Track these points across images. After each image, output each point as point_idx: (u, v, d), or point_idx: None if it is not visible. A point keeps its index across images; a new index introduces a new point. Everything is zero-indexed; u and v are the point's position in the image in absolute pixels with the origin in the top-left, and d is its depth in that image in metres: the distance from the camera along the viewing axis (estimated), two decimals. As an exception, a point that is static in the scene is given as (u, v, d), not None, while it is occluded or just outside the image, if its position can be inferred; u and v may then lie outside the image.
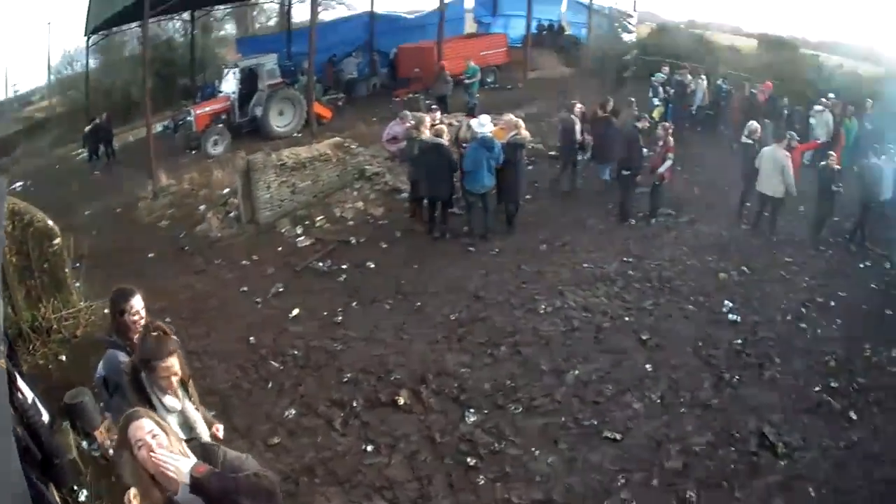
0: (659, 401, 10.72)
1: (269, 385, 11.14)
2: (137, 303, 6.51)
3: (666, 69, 25.50)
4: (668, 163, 17.00)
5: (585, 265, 15.06)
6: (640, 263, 15.16)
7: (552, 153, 21.07)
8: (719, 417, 10.37)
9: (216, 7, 34.23)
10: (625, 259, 15.35)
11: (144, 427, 4.31)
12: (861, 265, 16.04)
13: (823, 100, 22.15)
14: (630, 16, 37.64)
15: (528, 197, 18.16)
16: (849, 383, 11.45)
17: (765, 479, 9.26)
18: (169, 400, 5.64)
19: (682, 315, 13.27)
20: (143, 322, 6.38)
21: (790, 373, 11.62)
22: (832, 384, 11.36)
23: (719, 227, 17.32)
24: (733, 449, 9.76)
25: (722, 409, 10.60)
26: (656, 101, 24.39)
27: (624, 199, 17.47)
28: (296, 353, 12.00)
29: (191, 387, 6.09)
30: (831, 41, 34.24)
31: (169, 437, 4.35)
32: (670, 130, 17.36)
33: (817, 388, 11.26)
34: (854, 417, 10.62)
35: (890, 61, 29.04)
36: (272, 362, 11.73)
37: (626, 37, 35.43)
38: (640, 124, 17.58)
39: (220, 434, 6.43)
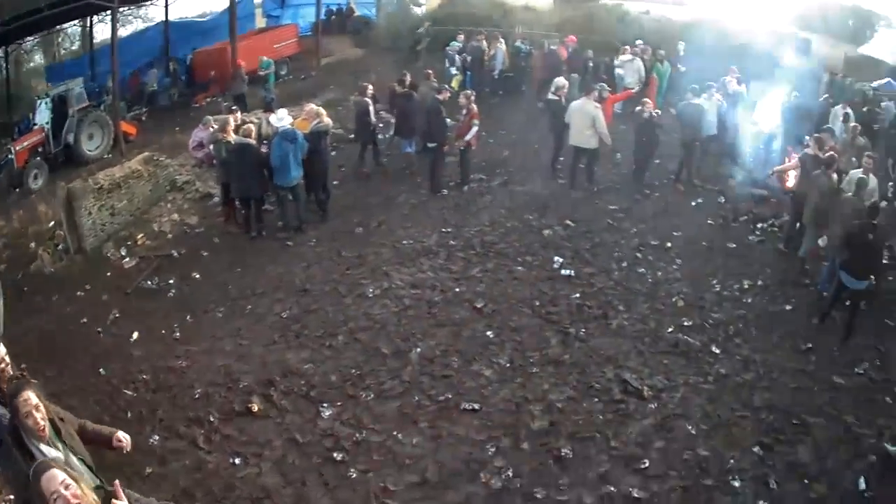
0: (508, 364, 10.49)
1: (129, 415, 10.31)
2: (1, 350, 6.40)
3: (461, 37, 24.67)
4: (475, 129, 16.25)
5: (405, 242, 14.27)
6: (459, 232, 14.45)
7: (352, 136, 19.92)
8: (574, 372, 10.27)
9: (25, 39, 31.84)
10: (444, 230, 14.58)
11: (57, 478, 4.16)
12: (693, 203, 15.78)
13: (629, 47, 21.95)
14: None
15: (336, 182, 17.18)
16: (703, 320, 11.31)
17: (638, 423, 9.26)
18: (49, 451, 5.42)
19: (511, 277, 12.73)
20: (9, 369, 6.34)
21: (638, 318, 11.42)
22: (685, 323, 11.18)
23: (534, 185, 16.70)
24: (597, 400, 9.71)
25: (575, 363, 10.45)
26: (454, 71, 23.52)
27: (433, 171, 16.57)
28: (145, 377, 11.15)
29: (66, 435, 5.74)
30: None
31: (81, 486, 4.22)
32: (472, 97, 16.58)
33: (670, 329, 11.06)
34: (717, 351, 10.52)
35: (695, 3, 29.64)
36: (125, 391, 10.87)
37: (416, 11, 34.49)
38: (440, 96, 16.67)
39: (125, 441, 6.19)
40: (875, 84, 23.62)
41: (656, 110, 16.41)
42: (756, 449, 8.76)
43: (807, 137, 15.02)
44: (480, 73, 23.54)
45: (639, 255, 13.43)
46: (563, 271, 12.72)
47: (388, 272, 13.13)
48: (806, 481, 8.37)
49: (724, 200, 15.83)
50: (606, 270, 12.83)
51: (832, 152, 12.81)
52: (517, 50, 24.20)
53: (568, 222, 14.63)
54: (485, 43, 23.79)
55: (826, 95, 19.26)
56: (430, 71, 20.27)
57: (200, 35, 32.76)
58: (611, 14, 28.65)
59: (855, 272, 10.94)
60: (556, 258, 13.14)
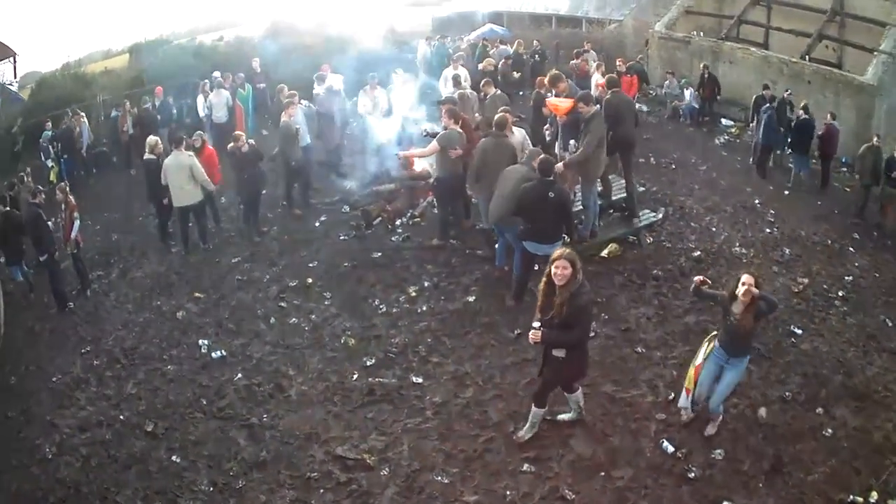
0: (212, 488, 8.56)
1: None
2: None
3: (49, 125, 21.90)
4: (77, 223, 14.00)
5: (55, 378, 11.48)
6: (98, 347, 11.93)
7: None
8: (282, 468, 8.69)
9: None
10: (83, 350, 11.93)
11: None
12: (317, 224, 15.08)
13: (207, 82, 20.75)
14: (10, 84, 32.92)
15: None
16: (385, 351, 10.57)
17: (383, 496, 8.09)
18: None
19: (167, 380, 10.66)
20: None
21: (315, 376, 10.19)
22: (368, 363, 10.30)
23: (152, 264, 14.78)
24: (324, 490, 8.27)
25: (277, 457, 8.86)
26: (49, 163, 20.87)
27: (54, 287, 13.73)
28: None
29: None
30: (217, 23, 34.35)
31: None
32: (67, 189, 14.29)
33: (356, 376, 10.08)
34: (420, 381, 9.80)
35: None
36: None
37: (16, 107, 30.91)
38: (35, 199, 14.15)
39: None
40: (477, 34, 23.91)
41: (249, 141, 15.02)
42: (526, 467, 8.15)
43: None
44: (74, 156, 21.12)
45: (283, 304, 12.17)
46: (213, 354, 11.02)
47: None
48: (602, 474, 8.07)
49: (348, 209, 15.10)
50: (257, 334, 11.38)
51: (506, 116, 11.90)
52: (114, 119, 22.11)
53: (197, 295, 12.98)
54: (73, 122, 21.37)
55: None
56: (23, 172, 18.06)
57: None
58: (185, 52, 27.51)
59: (543, 238, 10.13)
60: (200, 342, 11.40)
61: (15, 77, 32.24)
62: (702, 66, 22.82)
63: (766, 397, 9.29)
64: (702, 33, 25.91)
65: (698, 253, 13.22)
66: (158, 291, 13.41)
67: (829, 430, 8.80)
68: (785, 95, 19.43)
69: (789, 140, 18.72)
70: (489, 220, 11.45)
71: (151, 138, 15.18)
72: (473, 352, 10.25)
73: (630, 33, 29.37)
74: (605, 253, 12.31)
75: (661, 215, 14.30)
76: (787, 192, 17.47)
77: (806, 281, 12.67)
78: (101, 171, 21.59)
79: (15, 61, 31.85)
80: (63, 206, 13.95)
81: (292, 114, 15.12)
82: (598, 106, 11.74)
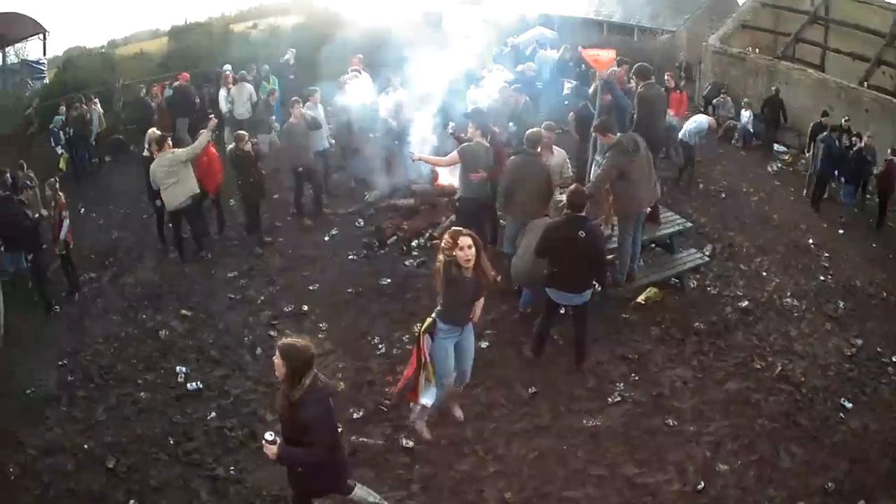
0: None
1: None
2: None
3: (63, 108, 20.58)
4: (66, 223, 12.92)
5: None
6: (75, 362, 10.85)
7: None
8: None
9: None
10: (60, 363, 10.87)
11: None
12: (326, 238, 13.92)
13: (230, 75, 19.25)
14: (40, 62, 31.89)
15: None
16: (377, 403, 9.16)
17: None
18: None
19: (137, 409, 9.53)
20: None
21: None
22: (356, 415, 8.87)
23: (146, 271, 13.64)
24: None
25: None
26: (60, 150, 19.74)
27: (39, 288, 12.75)
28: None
29: None
30: (253, 6, 33.02)
31: None
32: (57, 186, 13.47)
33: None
34: (409, 445, 8.40)
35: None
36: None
37: (37, 86, 29.90)
38: (24, 196, 13.36)
39: None
40: (525, 37, 22.78)
41: (251, 140, 13.89)
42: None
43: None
44: (85, 143, 20.11)
45: (273, 332, 10.80)
46: (189, 385, 9.82)
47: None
48: None
49: (362, 223, 13.98)
50: (240, 367, 10.15)
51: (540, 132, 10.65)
52: (124, 106, 21.61)
53: (184, 312, 11.77)
54: (84, 107, 20.20)
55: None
56: (22, 161, 16.52)
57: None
58: (214, 39, 26.49)
59: (570, 286, 8.77)
60: (178, 368, 10.22)
61: (44, 55, 31.16)
62: (773, 89, 21.55)
63: (808, 488, 8.08)
64: (757, 50, 24.56)
65: (746, 303, 11.77)
66: (146, 303, 12.27)
67: (871, 529, 7.69)
68: (843, 122, 18.48)
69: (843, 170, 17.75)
70: (513, 278, 10.15)
71: (149, 133, 13.67)
72: (478, 411, 8.85)
73: (683, 45, 27.98)
74: (642, 299, 10.87)
75: (707, 255, 12.89)
76: (841, 231, 16.22)
77: (860, 342, 11.26)
78: (116, 160, 20.59)
79: (45, 38, 30.84)
80: (53, 203, 13.05)
81: (297, 115, 13.91)
82: (619, 135, 10.27)
